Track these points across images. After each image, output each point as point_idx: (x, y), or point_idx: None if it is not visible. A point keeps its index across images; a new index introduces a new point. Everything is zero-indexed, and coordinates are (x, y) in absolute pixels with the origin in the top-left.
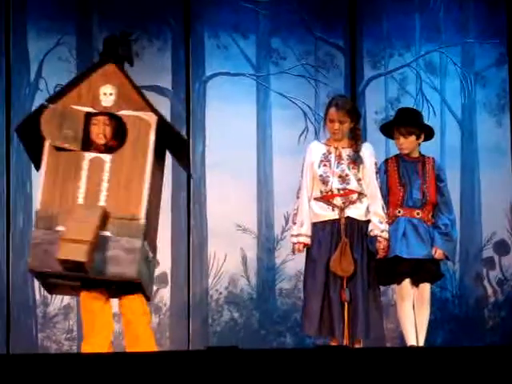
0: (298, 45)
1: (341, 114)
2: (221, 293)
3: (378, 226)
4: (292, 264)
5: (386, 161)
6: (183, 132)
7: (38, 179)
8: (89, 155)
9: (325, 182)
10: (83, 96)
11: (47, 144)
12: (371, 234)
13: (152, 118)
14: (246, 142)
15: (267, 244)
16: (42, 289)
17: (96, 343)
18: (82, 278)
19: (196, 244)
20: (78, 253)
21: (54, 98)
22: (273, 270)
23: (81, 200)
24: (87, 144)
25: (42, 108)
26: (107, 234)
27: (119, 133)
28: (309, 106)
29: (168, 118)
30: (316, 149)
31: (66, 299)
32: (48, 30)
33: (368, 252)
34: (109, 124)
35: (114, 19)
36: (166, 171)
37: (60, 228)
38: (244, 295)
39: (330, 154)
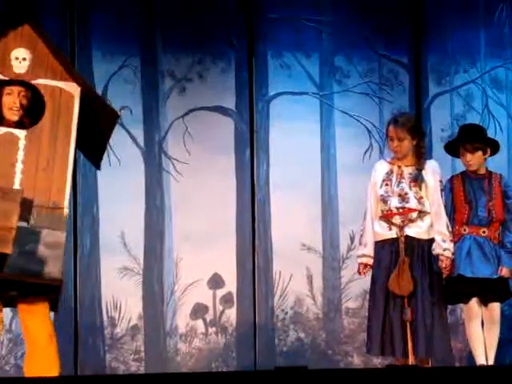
0: (362, 62)
1: (400, 131)
2: (286, 313)
3: (441, 245)
4: (358, 283)
5: (452, 178)
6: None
7: None
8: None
9: (385, 201)
10: None
11: None
12: (434, 252)
13: (75, 89)
14: (310, 160)
15: (333, 263)
16: (110, 310)
17: None
18: None
19: (261, 264)
20: (1, 242)
21: None
22: (339, 289)
23: None
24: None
25: None
26: (23, 224)
27: (34, 106)
28: (373, 124)
29: (232, 138)
30: (380, 168)
31: (134, 320)
32: (113, 52)
33: (430, 271)
34: (24, 96)
35: (178, 41)
36: (229, 191)
37: None
38: (310, 315)
39: (392, 172)
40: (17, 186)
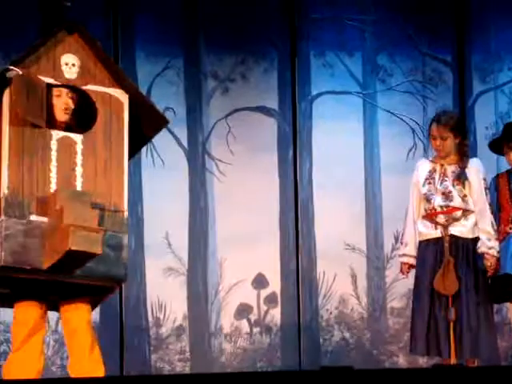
0: (405, 61)
1: (442, 130)
2: (331, 312)
3: (486, 244)
4: (403, 282)
5: (497, 177)
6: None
7: (1, 158)
8: (56, 134)
9: (428, 200)
10: (42, 65)
11: (6, 118)
12: (479, 251)
13: (123, 96)
14: (353, 160)
15: (377, 262)
16: (155, 311)
17: (24, 361)
18: (20, 284)
19: (305, 264)
20: (92, 243)
21: (15, 64)
22: (383, 288)
23: (53, 185)
24: (49, 120)
25: (5, 74)
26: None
27: (83, 110)
28: (417, 123)
29: (275, 137)
30: (422, 167)
31: (179, 321)
32: (156, 53)
33: (475, 270)
34: (72, 98)
35: (220, 41)
36: (272, 191)
37: (34, 217)
38: (355, 315)
39: (434, 171)
40: (79, 189)
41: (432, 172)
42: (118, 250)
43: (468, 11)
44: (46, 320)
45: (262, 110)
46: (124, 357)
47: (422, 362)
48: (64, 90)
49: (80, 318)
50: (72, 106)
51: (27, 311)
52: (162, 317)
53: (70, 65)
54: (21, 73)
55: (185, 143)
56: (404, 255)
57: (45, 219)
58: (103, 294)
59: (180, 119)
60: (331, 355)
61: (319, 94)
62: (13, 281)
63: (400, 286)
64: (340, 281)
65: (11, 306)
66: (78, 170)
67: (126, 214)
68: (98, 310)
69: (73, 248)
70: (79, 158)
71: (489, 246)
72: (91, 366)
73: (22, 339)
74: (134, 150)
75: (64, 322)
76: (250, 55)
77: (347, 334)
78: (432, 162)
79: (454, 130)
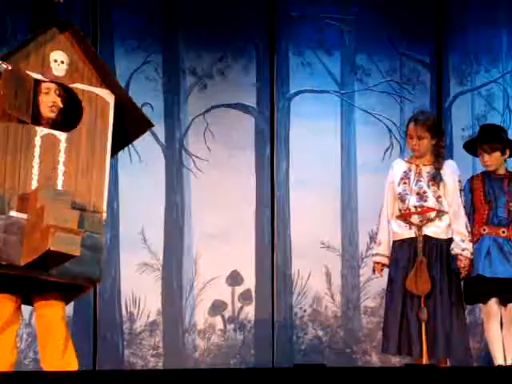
0: (383, 61)
1: (419, 129)
2: (305, 310)
3: (460, 245)
4: (377, 282)
5: (472, 178)
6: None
7: None
8: (40, 130)
9: (403, 199)
10: (32, 61)
11: None
12: (452, 252)
13: (109, 97)
14: (330, 159)
15: (352, 262)
16: (129, 306)
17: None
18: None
19: (280, 262)
20: (71, 245)
21: (3, 59)
22: (357, 287)
23: (34, 182)
24: (35, 116)
25: None
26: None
27: (68, 107)
28: (394, 123)
29: (252, 135)
30: (398, 167)
31: (153, 316)
32: (135, 48)
33: (449, 271)
34: (60, 95)
35: (200, 38)
36: (249, 189)
37: (14, 213)
38: (328, 313)
39: (410, 171)
40: (59, 187)
41: (407, 172)
42: (94, 250)
43: (447, 13)
44: (20, 314)
45: (240, 107)
46: (97, 351)
47: (395, 361)
48: (52, 88)
49: (54, 313)
50: (60, 104)
51: (1, 304)
52: (135, 312)
53: (58, 62)
54: (10, 67)
55: (162, 139)
56: (377, 254)
57: (24, 216)
58: (77, 292)
59: (158, 115)
60: (304, 353)
61: (297, 93)
62: None
63: (374, 286)
64: (315, 279)
65: None
66: (60, 168)
67: (104, 215)
68: (71, 303)
69: (52, 249)
70: (62, 156)
71: (462, 247)
72: (65, 361)
73: None
74: (115, 151)
75: (37, 317)
76: (228, 52)
77: (321, 332)
78: (408, 162)
79: (431, 130)
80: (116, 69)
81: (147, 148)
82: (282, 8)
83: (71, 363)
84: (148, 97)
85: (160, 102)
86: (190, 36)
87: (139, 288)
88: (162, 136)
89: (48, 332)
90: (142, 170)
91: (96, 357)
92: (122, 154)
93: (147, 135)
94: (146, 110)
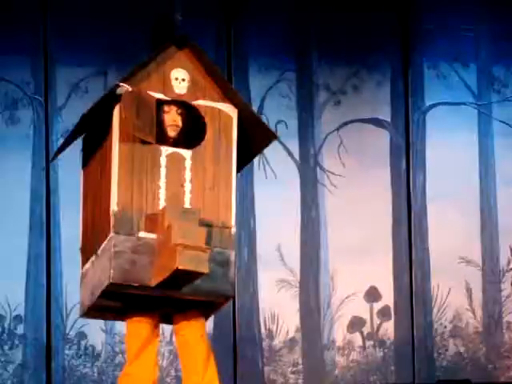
0: None
1: None
2: (445, 326)
3: None
4: None
5: None
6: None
7: (106, 174)
8: (165, 150)
9: None
10: (152, 80)
11: (116, 134)
12: None
13: (232, 111)
14: (467, 171)
15: (492, 276)
16: (268, 322)
17: (139, 373)
18: (131, 298)
19: (418, 277)
20: (199, 262)
21: (124, 81)
22: (499, 302)
23: (162, 202)
24: (159, 136)
25: (115, 90)
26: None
27: (192, 125)
28: None
29: (387, 149)
30: None
31: (291, 333)
32: (269, 66)
33: None
34: (181, 113)
35: (333, 53)
36: (385, 204)
37: (143, 234)
38: (469, 329)
39: None
40: (187, 205)
41: None
42: (225, 266)
43: None
44: (158, 332)
45: (375, 121)
46: (237, 368)
47: None
48: (174, 107)
49: (193, 332)
50: (181, 123)
51: (139, 324)
52: (274, 329)
53: (179, 80)
54: (130, 89)
55: (297, 156)
56: None
57: (153, 236)
58: (212, 309)
59: (292, 132)
60: (445, 369)
61: (433, 105)
62: (124, 295)
63: None
64: (454, 294)
65: (123, 320)
66: (187, 186)
67: (233, 230)
68: (211, 321)
69: (180, 267)
70: (188, 174)
71: None
72: (205, 381)
73: (135, 351)
74: (242, 165)
75: (177, 336)
76: (362, 67)
77: (462, 349)
78: None
79: None
80: (250, 87)
81: (282, 165)
82: (415, 21)
83: (213, 382)
84: (282, 114)
85: (294, 119)
86: (323, 52)
87: (277, 305)
88: (296, 153)
89: (188, 351)
90: (277, 186)
91: (236, 374)
92: (258, 172)
93: (282, 152)
94: (280, 128)
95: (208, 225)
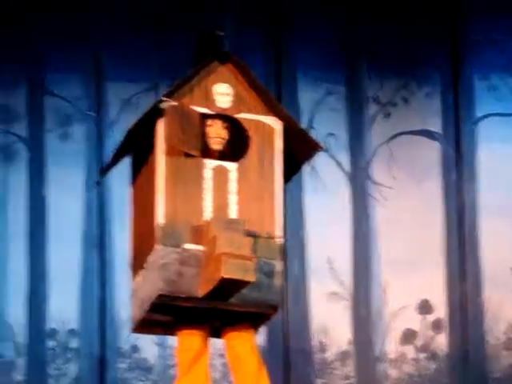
0: None
1: None
2: (498, 338)
3: None
4: None
5: None
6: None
7: (151, 188)
8: (210, 163)
9: None
10: (195, 95)
11: (161, 148)
12: None
13: (277, 123)
14: None
15: None
16: (319, 335)
17: None
18: (180, 311)
19: (471, 289)
20: (244, 271)
21: (167, 96)
22: None
23: (208, 214)
24: (203, 149)
25: (159, 105)
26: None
27: (236, 138)
28: None
29: (438, 161)
30: None
31: (343, 345)
32: (318, 80)
33: None
34: (226, 127)
35: (382, 66)
36: (436, 215)
37: (189, 246)
38: None
39: None
40: (233, 217)
41: None
42: (271, 276)
43: None
44: (208, 345)
45: (425, 133)
46: (290, 381)
47: None
48: (218, 121)
49: (243, 345)
50: (226, 137)
51: (190, 337)
52: (326, 341)
53: (223, 94)
54: (174, 104)
55: (347, 168)
56: None
57: (200, 247)
58: (260, 321)
59: (342, 145)
60: (499, 382)
61: (484, 117)
62: (173, 308)
63: None
64: (507, 306)
65: (173, 334)
66: (232, 198)
67: (279, 240)
68: (263, 333)
69: (226, 276)
70: (233, 186)
71: None
72: None
73: (187, 364)
74: (288, 176)
75: (227, 349)
76: (412, 79)
77: None
78: None
79: None
80: (299, 100)
81: (332, 177)
82: (464, 33)
83: None
84: (332, 127)
85: (344, 131)
86: (372, 64)
87: (328, 317)
88: (346, 165)
89: (239, 364)
90: (327, 198)
91: None
92: (308, 184)
93: (332, 164)
94: (330, 141)
95: (253, 235)
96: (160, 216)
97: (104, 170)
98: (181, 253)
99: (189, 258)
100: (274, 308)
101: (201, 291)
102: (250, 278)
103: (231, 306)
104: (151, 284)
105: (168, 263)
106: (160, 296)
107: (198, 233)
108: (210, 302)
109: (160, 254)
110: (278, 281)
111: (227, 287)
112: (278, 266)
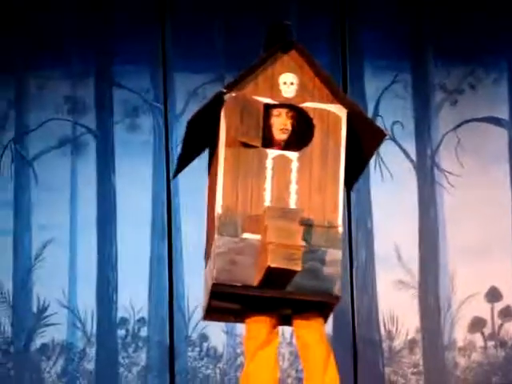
0: None
1: None
2: None
3: None
4: None
5: None
6: None
7: (216, 178)
8: (271, 152)
9: None
10: (260, 85)
11: (222, 139)
12: None
13: (341, 112)
14: None
15: None
16: (388, 323)
17: (259, 373)
18: (248, 299)
19: None
20: (290, 260)
21: (231, 86)
22: None
23: (267, 203)
24: (266, 139)
25: (219, 96)
26: (301, 243)
27: (301, 127)
28: None
29: (506, 148)
30: None
31: (411, 333)
32: (384, 68)
33: None
34: (292, 117)
35: (448, 53)
36: (504, 203)
37: (247, 235)
38: None
39: None
40: (292, 206)
41: None
42: (331, 265)
43: None
44: (277, 332)
45: (492, 120)
46: (357, 369)
47: None
48: (283, 110)
49: (311, 334)
50: (290, 127)
51: (257, 324)
52: (394, 330)
53: (288, 83)
54: (234, 94)
55: (413, 156)
56: None
57: (258, 237)
58: (325, 310)
59: (408, 133)
60: None
61: None
62: (240, 296)
63: None
64: None
65: (243, 321)
66: (293, 188)
67: (340, 229)
68: (330, 322)
69: (272, 265)
70: (294, 176)
71: None
72: (327, 381)
73: (253, 352)
74: (356, 168)
75: (297, 337)
76: (479, 66)
77: None
78: None
79: None
80: (365, 89)
81: (399, 166)
82: None
83: (333, 383)
84: (398, 115)
85: (410, 119)
86: (439, 51)
87: (396, 305)
88: (413, 153)
89: (307, 353)
90: (394, 187)
91: (357, 375)
92: (374, 172)
93: (398, 153)
94: (396, 129)
95: (310, 224)
96: (218, 206)
97: (176, 171)
98: (237, 242)
99: (245, 247)
100: (333, 296)
101: (256, 280)
102: (297, 266)
103: (288, 294)
104: (209, 273)
105: (222, 252)
106: (214, 285)
107: (256, 222)
108: (265, 291)
109: (217, 243)
110: (336, 269)
111: (275, 276)
112: (337, 254)
